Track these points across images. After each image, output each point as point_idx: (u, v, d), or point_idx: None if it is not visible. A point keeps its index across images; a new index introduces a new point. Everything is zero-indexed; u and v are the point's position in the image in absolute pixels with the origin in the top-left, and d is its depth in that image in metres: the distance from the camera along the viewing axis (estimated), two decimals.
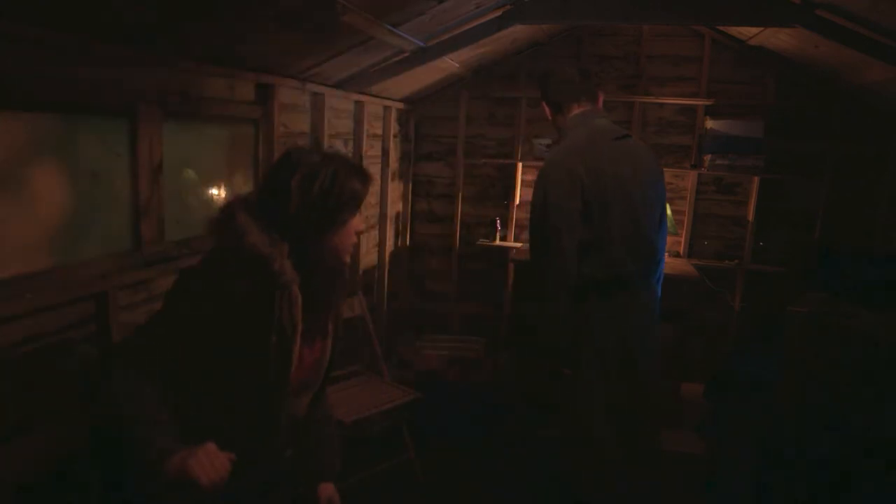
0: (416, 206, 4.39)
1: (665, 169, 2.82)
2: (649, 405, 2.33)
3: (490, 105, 4.18)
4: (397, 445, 2.97)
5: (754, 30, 3.37)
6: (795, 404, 2.60)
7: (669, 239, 2.93)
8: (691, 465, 3.08)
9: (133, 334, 1.32)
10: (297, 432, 1.48)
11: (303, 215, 1.26)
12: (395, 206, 4.11)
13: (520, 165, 4.15)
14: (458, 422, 3.42)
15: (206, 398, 1.30)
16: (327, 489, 1.56)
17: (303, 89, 2.74)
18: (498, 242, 4.19)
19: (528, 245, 3.25)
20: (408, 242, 4.40)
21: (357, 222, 1.35)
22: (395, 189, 4.05)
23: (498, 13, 2.93)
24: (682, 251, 4.03)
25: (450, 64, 3.45)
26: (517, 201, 4.21)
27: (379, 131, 3.75)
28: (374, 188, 3.74)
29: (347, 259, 1.39)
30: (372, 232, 3.78)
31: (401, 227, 4.29)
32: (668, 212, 2.48)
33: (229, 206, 1.28)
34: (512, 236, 4.26)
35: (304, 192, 1.26)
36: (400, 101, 3.92)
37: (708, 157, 3.77)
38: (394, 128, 3.90)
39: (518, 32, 3.30)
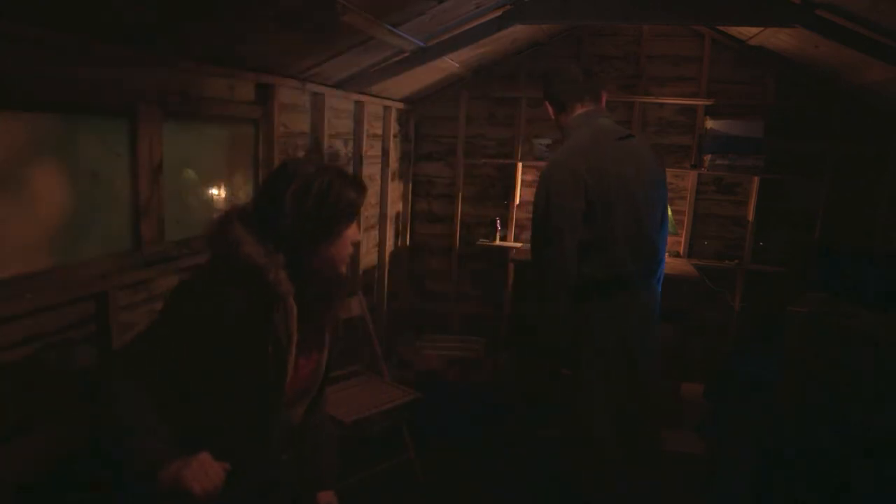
0: (416, 206, 4.39)
1: (665, 169, 2.82)
2: (649, 405, 2.33)
3: (490, 105, 4.18)
4: (397, 445, 2.97)
5: (754, 30, 3.37)
6: (795, 404, 2.61)
7: (669, 239, 2.93)
8: (691, 465, 3.08)
9: (130, 343, 1.33)
10: (294, 439, 1.49)
11: (298, 226, 1.27)
12: (395, 206, 4.11)
13: (520, 165, 4.15)
14: (458, 422, 3.43)
15: (202, 408, 1.30)
16: (326, 497, 1.56)
17: (303, 89, 2.74)
18: (498, 242, 4.19)
19: (528, 245, 3.25)
20: (408, 242, 4.39)
21: (353, 232, 1.35)
22: (395, 189, 4.05)
23: (498, 13, 2.93)
24: (682, 251, 4.03)
25: (450, 64, 3.45)
26: (517, 201, 4.21)
27: (379, 131, 3.75)
28: (374, 188, 3.74)
29: (344, 269, 1.39)
30: (372, 232, 3.78)
31: (401, 227, 4.29)
32: (669, 212, 2.48)
33: (225, 217, 1.28)
34: (512, 236, 4.26)
35: (299, 203, 1.26)
36: (400, 101, 3.92)
37: (708, 157, 3.77)
38: (394, 128, 3.90)
39: (518, 32, 3.30)
